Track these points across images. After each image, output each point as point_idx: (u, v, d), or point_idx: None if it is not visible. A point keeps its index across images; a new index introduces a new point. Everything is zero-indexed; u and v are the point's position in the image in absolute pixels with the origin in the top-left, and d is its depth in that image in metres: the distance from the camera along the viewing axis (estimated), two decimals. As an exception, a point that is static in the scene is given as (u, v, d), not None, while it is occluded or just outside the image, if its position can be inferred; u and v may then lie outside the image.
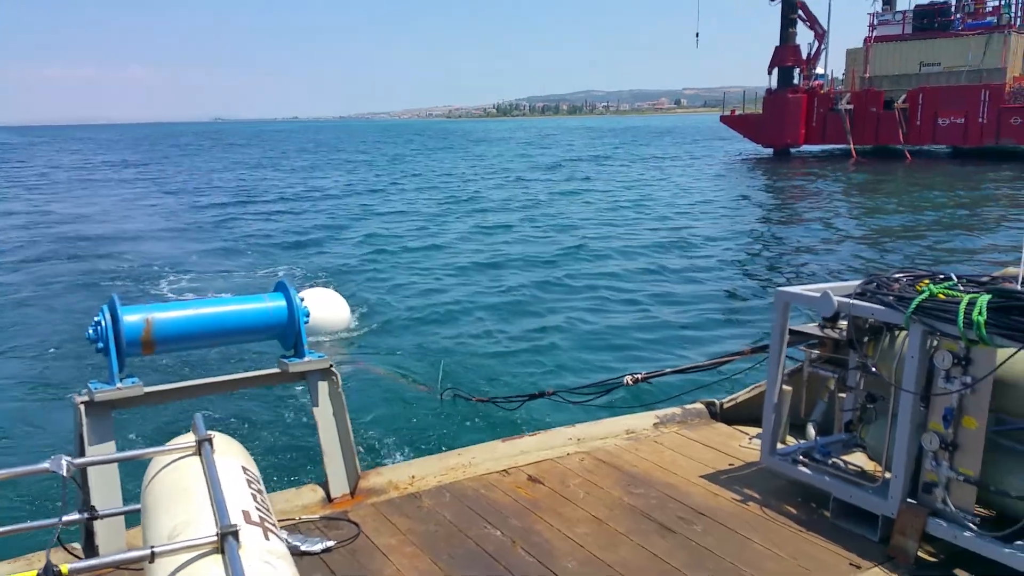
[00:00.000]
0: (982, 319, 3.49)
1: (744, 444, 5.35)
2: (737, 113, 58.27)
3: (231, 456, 2.72)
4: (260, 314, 4.25)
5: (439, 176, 46.58)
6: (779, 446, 4.86)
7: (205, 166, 60.29)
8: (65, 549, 3.41)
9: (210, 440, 2.68)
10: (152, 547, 2.02)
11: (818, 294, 4.24)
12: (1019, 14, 46.91)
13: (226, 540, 2.00)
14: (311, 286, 13.31)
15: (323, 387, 4.44)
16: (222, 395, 7.45)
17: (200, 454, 2.62)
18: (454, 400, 8.66)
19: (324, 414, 4.43)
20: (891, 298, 3.95)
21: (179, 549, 2.03)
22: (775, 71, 52.28)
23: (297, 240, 22.15)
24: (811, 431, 4.85)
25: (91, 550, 3.65)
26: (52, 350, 11.34)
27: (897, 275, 4.24)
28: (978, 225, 23.26)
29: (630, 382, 6.57)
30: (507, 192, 34.84)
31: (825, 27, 51.20)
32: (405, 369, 10.25)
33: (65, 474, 2.44)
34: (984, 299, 3.54)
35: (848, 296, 4.22)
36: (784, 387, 4.97)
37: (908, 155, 46.37)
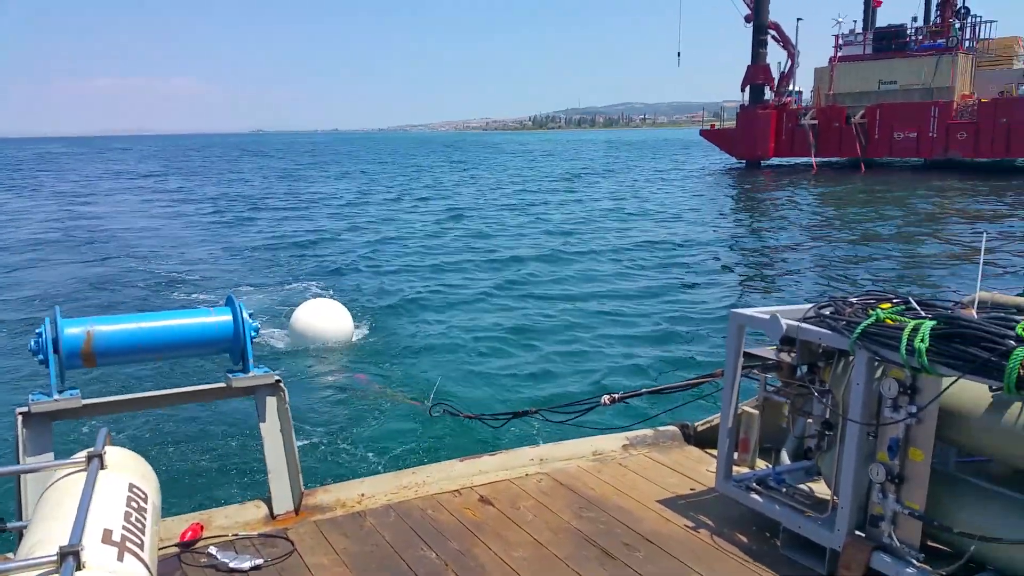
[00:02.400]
0: (924, 346, 3.37)
1: (711, 469, 5.23)
2: (716, 127, 63.60)
3: (122, 472, 2.73)
4: (205, 328, 4.28)
5: (447, 187, 47.59)
6: (744, 471, 4.76)
7: (229, 176, 61.72)
8: None
9: (100, 456, 2.69)
10: None
11: (767, 316, 4.14)
12: (966, 37, 51.34)
13: (65, 560, 2.00)
14: (316, 296, 13.45)
15: (270, 403, 4.44)
16: (179, 408, 7.63)
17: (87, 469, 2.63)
18: (443, 416, 8.66)
19: (270, 430, 4.43)
20: (842, 323, 3.84)
21: (17, 568, 2.03)
22: (748, 88, 56.27)
23: (304, 251, 22.54)
24: (784, 458, 4.73)
25: None
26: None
27: (854, 298, 4.12)
28: (933, 238, 23.67)
29: (607, 402, 6.47)
30: (498, 208, 35.04)
31: (796, 47, 55.49)
32: (401, 383, 10.29)
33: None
34: (928, 325, 3.42)
35: (801, 319, 4.11)
36: (750, 410, 4.87)
37: (863, 167, 50.21)
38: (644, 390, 6.45)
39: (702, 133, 62.97)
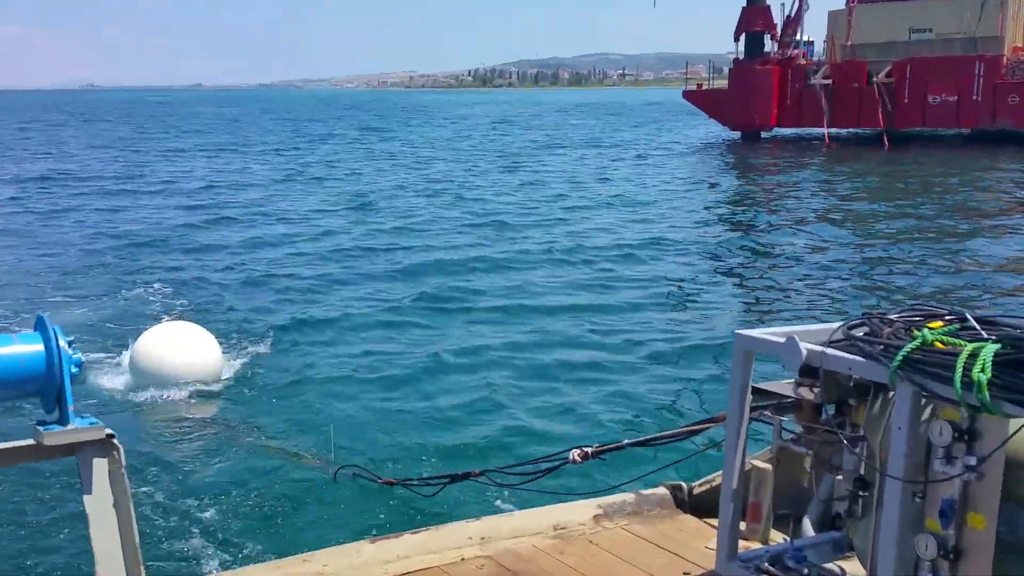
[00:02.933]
0: (985, 377, 3.44)
1: (710, 544, 5.32)
2: (704, 87, 63.56)
3: None
4: (4, 363, 4.18)
5: (351, 166, 48.07)
6: (754, 547, 4.86)
7: (45, 148, 60.66)
8: None
9: None
10: None
11: (782, 339, 4.23)
12: None
13: None
14: (166, 317, 13.32)
15: (98, 466, 4.35)
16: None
17: None
18: (352, 479, 8.66)
19: (98, 505, 4.33)
20: (879, 347, 3.92)
21: None
22: (743, 37, 56.68)
23: (147, 252, 22.42)
24: (806, 527, 4.84)
25: None
26: None
27: (894, 315, 4.23)
28: (989, 235, 24.55)
29: (578, 458, 6.52)
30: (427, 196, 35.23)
31: None
32: (289, 435, 10.34)
33: None
34: (990, 350, 3.50)
35: (826, 343, 4.21)
36: (762, 466, 4.97)
37: (887, 140, 50.31)
38: (626, 442, 6.52)
39: (685, 95, 63.43)
